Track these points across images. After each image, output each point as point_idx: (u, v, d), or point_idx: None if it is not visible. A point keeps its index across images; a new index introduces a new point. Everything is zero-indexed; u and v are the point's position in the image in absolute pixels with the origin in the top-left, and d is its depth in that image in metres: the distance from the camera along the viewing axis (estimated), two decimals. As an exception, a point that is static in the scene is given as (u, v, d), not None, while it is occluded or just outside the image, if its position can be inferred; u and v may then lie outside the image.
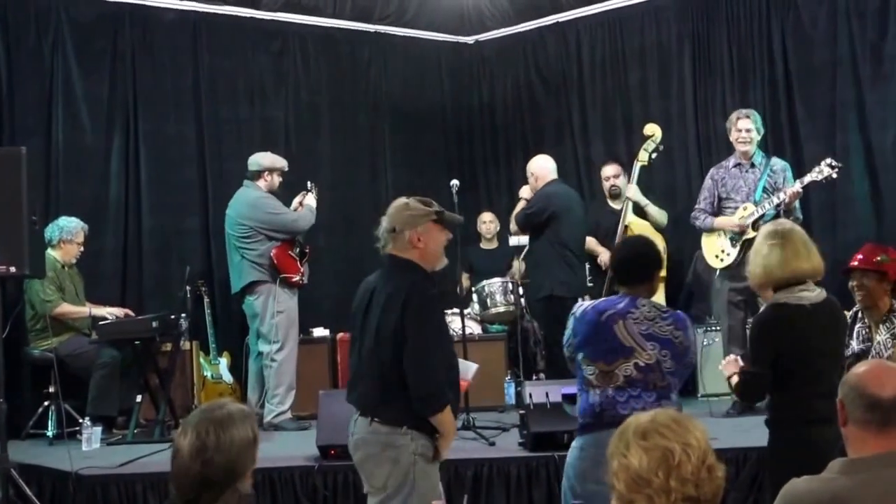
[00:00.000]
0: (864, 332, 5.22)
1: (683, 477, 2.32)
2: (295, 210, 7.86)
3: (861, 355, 5.04)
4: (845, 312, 5.31)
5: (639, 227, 7.95)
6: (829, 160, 6.91)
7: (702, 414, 6.74)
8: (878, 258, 5.14)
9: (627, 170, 8.36)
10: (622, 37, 9.49)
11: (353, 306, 4.37)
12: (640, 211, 8.16)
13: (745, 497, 5.64)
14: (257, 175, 7.75)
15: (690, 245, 8.17)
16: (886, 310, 5.14)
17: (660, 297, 7.76)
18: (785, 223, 4.61)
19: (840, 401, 2.87)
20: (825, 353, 4.23)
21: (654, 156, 8.06)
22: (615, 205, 8.29)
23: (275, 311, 7.55)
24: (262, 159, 7.81)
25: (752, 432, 6.20)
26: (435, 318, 4.14)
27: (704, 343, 7.74)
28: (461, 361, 4.38)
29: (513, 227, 8.14)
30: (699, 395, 7.81)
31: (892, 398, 2.78)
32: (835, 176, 6.89)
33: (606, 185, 8.43)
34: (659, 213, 8.19)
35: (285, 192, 7.95)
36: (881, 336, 5.11)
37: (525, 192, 7.96)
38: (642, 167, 8.07)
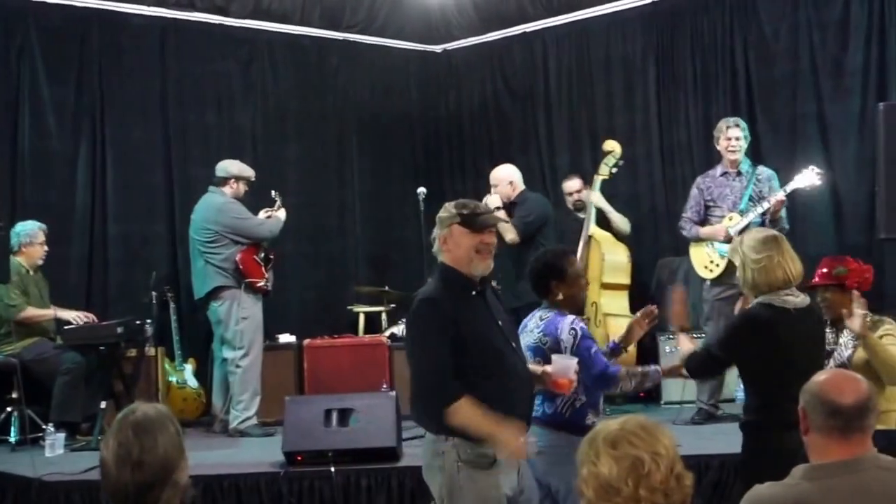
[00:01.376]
0: (829, 337, 5.32)
1: (653, 486, 2.35)
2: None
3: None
4: None
5: (602, 237, 8.02)
6: (813, 167, 6.96)
7: (665, 421, 6.76)
8: (836, 270, 5.24)
9: (589, 182, 8.38)
10: (588, 48, 9.56)
11: None
12: (603, 220, 8.18)
13: (707, 504, 5.70)
14: (223, 182, 7.76)
15: (654, 255, 8.25)
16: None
17: (623, 306, 7.84)
18: (771, 231, 4.69)
19: (802, 409, 2.93)
20: (806, 358, 4.27)
21: (614, 170, 8.08)
22: (579, 214, 8.31)
23: (239, 318, 7.55)
24: (230, 166, 7.82)
25: (716, 439, 6.31)
26: (421, 327, 4.03)
27: (668, 350, 7.78)
28: (558, 359, 4.26)
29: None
30: (662, 403, 7.88)
31: (853, 405, 2.84)
32: (819, 183, 6.94)
33: (570, 199, 8.44)
34: (622, 221, 8.23)
35: (252, 199, 7.96)
36: (843, 338, 5.22)
37: (496, 200, 7.77)
38: (603, 181, 8.12)
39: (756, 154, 8.26)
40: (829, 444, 2.84)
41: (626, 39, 9.33)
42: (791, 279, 4.32)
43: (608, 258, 7.85)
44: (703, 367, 4.68)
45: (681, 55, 8.97)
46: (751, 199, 7.17)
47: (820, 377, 2.98)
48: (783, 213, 7.13)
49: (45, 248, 7.70)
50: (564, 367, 4.20)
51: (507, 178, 7.84)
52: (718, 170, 7.45)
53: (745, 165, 7.38)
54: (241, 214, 7.69)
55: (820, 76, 8.17)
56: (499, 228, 7.34)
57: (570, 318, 4.55)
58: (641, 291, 8.13)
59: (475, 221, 4.08)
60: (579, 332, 4.48)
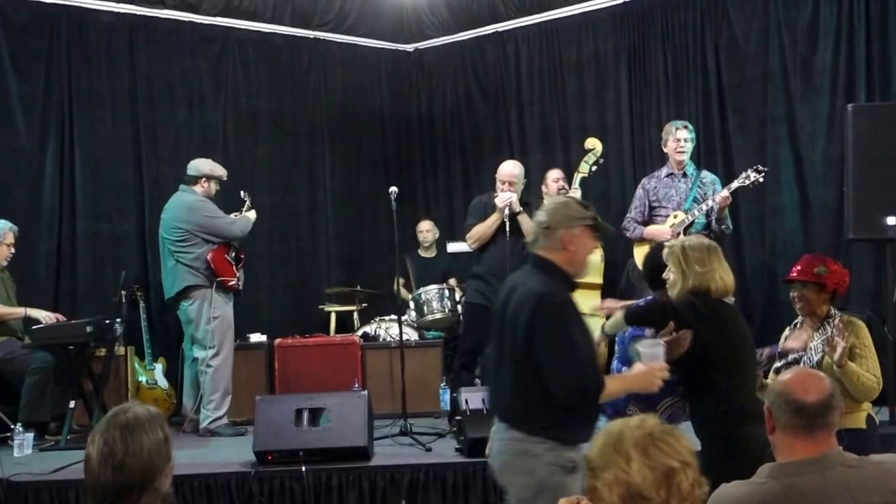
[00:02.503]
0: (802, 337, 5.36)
1: (682, 495, 2.34)
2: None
3: (792, 364, 5.17)
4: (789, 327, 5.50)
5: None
6: (756, 166, 7.09)
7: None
8: (818, 269, 5.27)
9: (569, 179, 8.39)
10: (560, 48, 9.60)
11: (494, 304, 4.32)
12: None
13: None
14: (194, 180, 7.72)
15: (625, 253, 8.26)
16: (823, 317, 5.29)
17: (596, 305, 7.77)
18: (710, 241, 4.71)
19: (767, 408, 2.96)
20: (748, 352, 4.40)
21: (594, 168, 8.09)
22: None
23: (210, 317, 7.52)
24: (202, 165, 7.78)
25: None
26: (562, 321, 3.86)
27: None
28: (646, 346, 4.21)
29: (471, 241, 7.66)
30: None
31: (817, 403, 2.87)
32: (762, 180, 7.04)
33: (555, 186, 8.32)
34: None
35: (223, 198, 7.93)
36: (813, 342, 5.25)
37: (516, 201, 7.30)
38: (582, 178, 8.11)
39: (725, 154, 8.35)
40: (795, 443, 2.88)
41: (598, 39, 9.37)
42: (727, 290, 4.43)
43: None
44: (650, 312, 4.63)
45: (652, 55, 9.01)
46: (695, 200, 7.30)
47: (784, 376, 3.02)
48: (727, 213, 7.27)
49: (13, 249, 7.63)
50: (653, 354, 4.15)
51: (517, 176, 7.47)
52: (664, 171, 7.57)
53: (691, 168, 7.53)
54: (212, 213, 7.66)
55: (790, 77, 8.22)
56: (528, 231, 7.34)
57: None
58: (610, 291, 8.13)
59: (602, 228, 4.10)
60: None
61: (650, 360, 4.08)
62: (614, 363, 5.22)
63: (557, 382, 3.77)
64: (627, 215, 7.59)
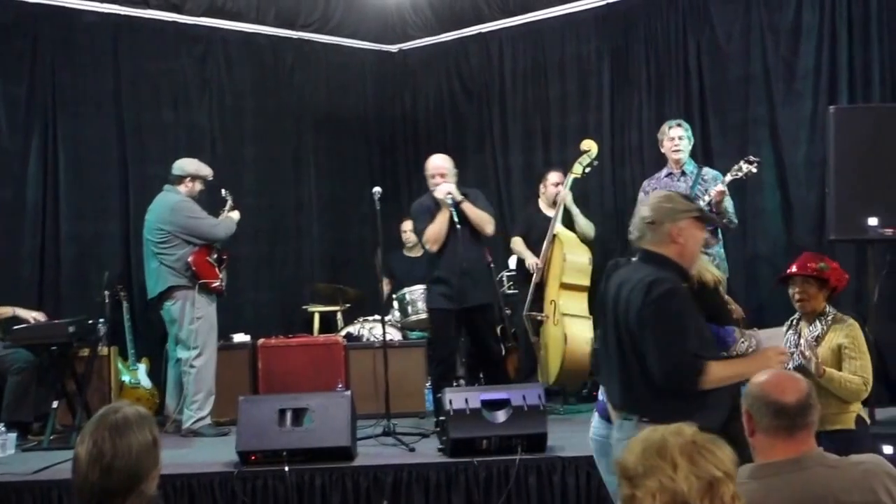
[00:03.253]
0: (793, 338, 5.40)
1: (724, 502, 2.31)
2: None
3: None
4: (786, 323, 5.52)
5: (566, 237, 7.95)
6: (747, 157, 7.02)
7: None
8: (819, 265, 5.33)
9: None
10: (543, 49, 9.62)
11: (598, 298, 4.31)
12: (568, 221, 8.14)
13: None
14: (179, 180, 7.70)
15: (602, 255, 8.25)
16: (818, 314, 5.34)
17: (583, 307, 7.82)
18: None
19: (746, 411, 2.98)
20: None
21: (588, 170, 8.06)
22: (549, 212, 8.20)
23: (193, 317, 7.49)
24: (187, 165, 7.76)
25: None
26: (674, 310, 3.83)
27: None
28: (766, 336, 4.17)
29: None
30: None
31: (796, 403, 2.90)
32: (755, 170, 6.95)
33: (553, 190, 8.26)
34: (587, 225, 8.12)
35: (208, 198, 7.92)
36: (805, 338, 5.30)
37: (454, 190, 7.33)
38: (575, 179, 8.10)
39: (707, 156, 8.34)
40: (776, 444, 2.91)
41: (581, 40, 9.40)
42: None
43: (569, 258, 7.80)
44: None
45: (635, 57, 9.04)
46: (696, 197, 7.21)
47: (759, 378, 3.03)
48: (729, 206, 7.21)
49: None
50: (772, 335, 4.17)
51: (454, 169, 7.51)
52: (664, 171, 7.56)
53: (690, 166, 7.48)
54: (194, 214, 7.63)
55: (772, 79, 8.24)
56: (478, 220, 7.36)
57: None
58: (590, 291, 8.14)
59: (707, 218, 4.09)
60: None
61: (769, 342, 4.09)
62: None
63: (656, 365, 3.77)
64: (633, 220, 7.50)
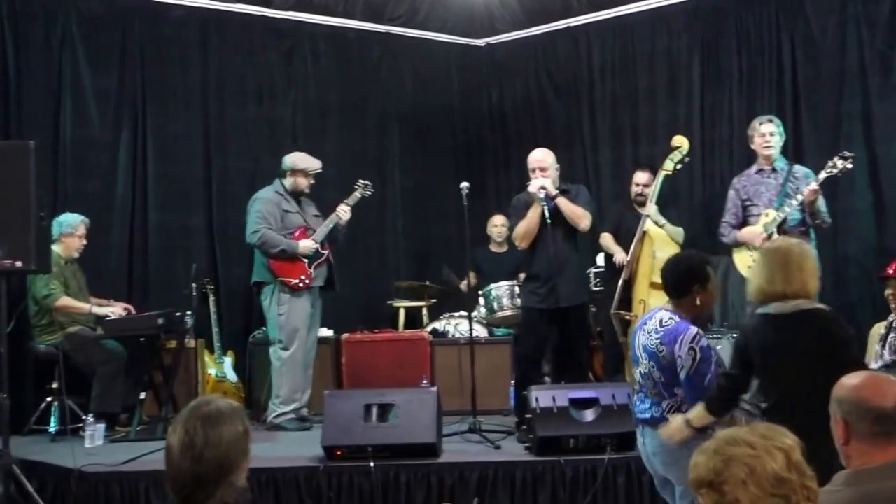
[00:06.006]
0: (893, 340, 5.26)
1: (806, 473, 2.29)
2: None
3: (891, 366, 5.07)
4: (880, 323, 5.35)
5: (656, 234, 7.75)
6: (841, 153, 6.82)
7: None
8: None
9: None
10: (632, 43, 9.50)
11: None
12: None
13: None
14: (282, 173, 7.72)
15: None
16: None
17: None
18: (777, 241, 4.58)
19: (842, 419, 2.84)
20: (787, 363, 4.11)
21: (679, 167, 7.84)
22: (639, 210, 7.90)
23: (276, 312, 7.53)
24: (287, 158, 7.75)
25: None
26: None
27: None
28: None
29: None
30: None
31: (895, 407, 2.79)
32: (850, 166, 6.75)
33: (635, 190, 8.08)
34: (675, 232, 7.93)
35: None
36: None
37: (550, 186, 6.99)
38: (666, 176, 7.89)
39: (798, 152, 8.16)
40: (874, 450, 2.80)
41: (671, 35, 9.26)
42: (773, 297, 4.15)
43: (659, 256, 7.60)
44: (721, 394, 4.29)
45: (726, 51, 8.88)
46: (787, 195, 7.01)
47: (853, 382, 2.89)
48: (822, 205, 7.01)
49: (84, 241, 7.68)
50: None
51: (555, 163, 7.23)
52: (754, 168, 7.35)
53: (781, 163, 7.27)
54: (254, 212, 7.56)
55: (867, 74, 8.04)
56: (572, 214, 7.18)
57: (694, 331, 4.33)
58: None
59: None
60: (698, 355, 4.28)
61: None
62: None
63: None
64: (722, 220, 7.33)
